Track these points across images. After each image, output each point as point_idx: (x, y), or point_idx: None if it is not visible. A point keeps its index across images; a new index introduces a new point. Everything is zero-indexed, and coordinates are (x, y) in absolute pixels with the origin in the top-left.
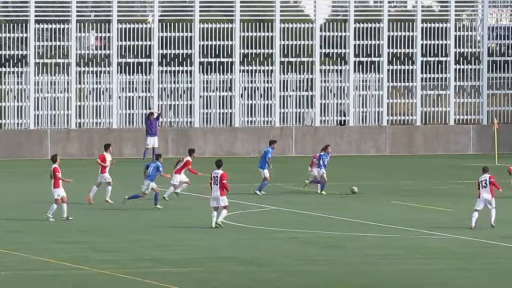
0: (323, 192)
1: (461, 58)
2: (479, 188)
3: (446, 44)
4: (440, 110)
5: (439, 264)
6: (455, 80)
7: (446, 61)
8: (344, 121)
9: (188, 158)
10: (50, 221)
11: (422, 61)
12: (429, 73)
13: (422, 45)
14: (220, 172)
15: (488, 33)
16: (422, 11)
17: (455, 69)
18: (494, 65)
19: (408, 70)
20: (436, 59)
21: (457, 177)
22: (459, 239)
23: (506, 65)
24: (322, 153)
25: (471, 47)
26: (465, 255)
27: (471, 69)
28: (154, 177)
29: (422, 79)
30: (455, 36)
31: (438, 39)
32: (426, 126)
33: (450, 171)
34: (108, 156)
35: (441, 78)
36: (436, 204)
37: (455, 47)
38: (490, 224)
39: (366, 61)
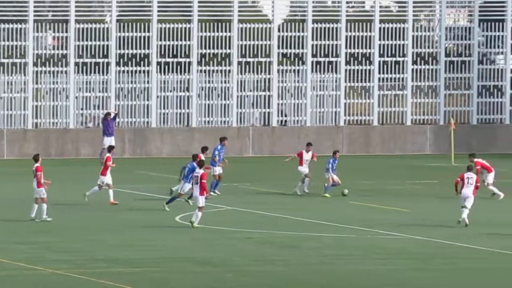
0: (327, 195)
1: (418, 59)
2: (463, 185)
3: (403, 45)
4: (397, 110)
5: (396, 265)
6: (412, 80)
7: (403, 61)
8: (285, 121)
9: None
10: (45, 221)
11: (379, 61)
12: (387, 73)
13: (379, 45)
14: (201, 171)
15: (446, 34)
16: (380, 11)
17: (412, 69)
18: (451, 65)
19: (365, 70)
20: (394, 59)
21: (414, 177)
22: (416, 239)
23: (463, 65)
24: (331, 159)
25: (428, 48)
26: (422, 255)
27: (428, 69)
28: (189, 179)
29: (379, 79)
30: (413, 36)
31: (395, 40)
32: (383, 126)
33: (407, 171)
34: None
35: (398, 78)
36: (393, 204)
37: (413, 47)
38: (458, 220)
39: (324, 61)
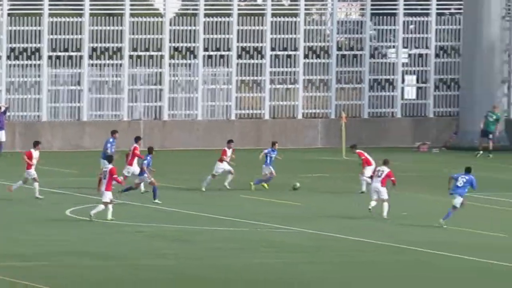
0: (266, 186)
1: (310, 52)
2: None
3: (295, 38)
4: (288, 104)
5: (287, 258)
6: (304, 74)
7: (295, 55)
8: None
9: (135, 145)
10: None
11: (271, 55)
12: (278, 67)
13: (271, 39)
14: (110, 166)
15: (337, 28)
16: (272, 5)
17: (304, 63)
18: (343, 59)
19: (257, 64)
20: (285, 53)
21: (306, 171)
22: (307, 233)
23: (354, 59)
24: (269, 149)
25: (320, 41)
26: (312, 248)
27: (320, 63)
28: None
29: (271, 73)
30: (305, 30)
31: (287, 33)
32: (274, 120)
33: (298, 165)
34: (35, 154)
35: (290, 72)
36: (285, 198)
37: (304, 41)
38: (383, 217)
39: (215, 55)
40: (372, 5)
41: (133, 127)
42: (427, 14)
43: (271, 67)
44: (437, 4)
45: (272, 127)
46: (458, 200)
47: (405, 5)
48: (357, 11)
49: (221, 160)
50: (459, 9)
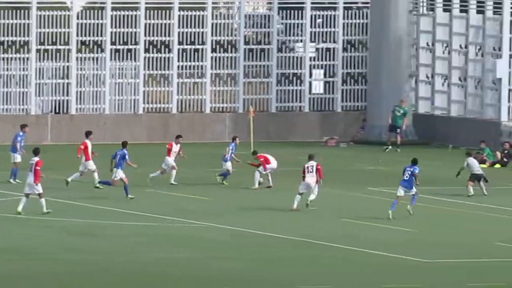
0: (225, 182)
1: (217, 46)
2: (304, 173)
3: (202, 32)
4: (196, 98)
5: (194, 253)
6: (212, 68)
7: (202, 49)
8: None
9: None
10: None
11: (178, 49)
12: (186, 61)
13: (179, 33)
14: (36, 159)
15: (245, 21)
16: None
17: (212, 57)
18: (250, 53)
19: (164, 58)
20: (193, 47)
21: (214, 165)
22: (216, 228)
23: (262, 53)
24: (232, 145)
25: (227, 35)
26: (220, 243)
27: (227, 57)
28: (122, 166)
29: (178, 67)
30: (212, 24)
31: (195, 27)
32: (182, 114)
33: (206, 159)
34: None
35: (198, 66)
36: (194, 192)
37: (212, 35)
38: (306, 203)
39: (123, 49)
40: None
41: (41, 121)
42: (334, 8)
43: (178, 61)
44: None
45: (180, 121)
46: (400, 192)
47: None
48: (265, 5)
49: (169, 154)
50: (367, 3)
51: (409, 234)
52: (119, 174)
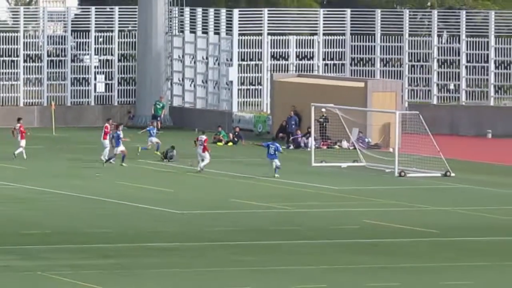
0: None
1: (28, 58)
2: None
3: (17, 48)
4: (11, 96)
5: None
6: (24, 74)
7: (16, 61)
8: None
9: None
10: None
11: (1, 61)
12: (4, 68)
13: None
14: None
15: (47, 40)
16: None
17: (24, 66)
18: (51, 63)
19: None
20: (9, 58)
21: (28, 143)
22: (24, 188)
23: (60, 63)
24: (151, 127)
25: (35, 50)
26: (26, 199)
27: (35, 66)
28: (119, 144)
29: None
30: (24, 42)
31: (10, 44)
32: (2, 107)
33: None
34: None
35: (12, 73)
36: (11, 163)
37: (24, 50)
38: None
39: None
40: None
41: None
42: (112, 31)
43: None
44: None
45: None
46: (277, 162)
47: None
48: (61, 28)
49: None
50: (135, 27)
51: (167, 193)
52: (118, 149)
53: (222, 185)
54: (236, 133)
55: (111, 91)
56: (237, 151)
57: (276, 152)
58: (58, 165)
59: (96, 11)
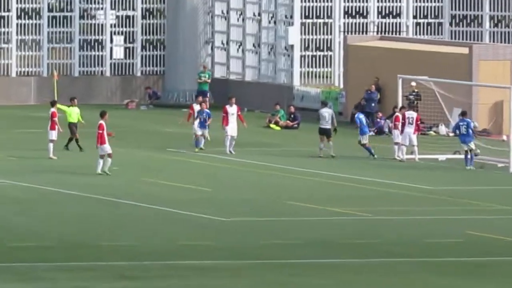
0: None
1: (22, 13)
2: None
3: (8, 0)
4: (2, 63)
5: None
6: (17, 34)
7: (8, 16)
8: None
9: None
10: None
11: None
12: None
13: None
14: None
15: None
16: None
17: (17, 24)
18: (53, 20)
19: None
20: None
21: (23, 126)
22: (21, 186)
23: (65, 20)
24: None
25: (32, 3)
26: (28, 200)
27: (32, 24)
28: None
29: None
30: None
31: None
32: None
33: (12, 121)
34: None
35: (3, 32)
36: None
37: (17, 3)
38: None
39: None
40: None
41: None
42: None
43: None
44: None
45: None
46: (472, 145)
47: None
48: None
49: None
50: None
51: (205, 193)
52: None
53: (276, 182)
54: (292, 115)
55: (133, 58)
56: (298, 137)
57: (469, 130)
58: (62, 156)
59: None
